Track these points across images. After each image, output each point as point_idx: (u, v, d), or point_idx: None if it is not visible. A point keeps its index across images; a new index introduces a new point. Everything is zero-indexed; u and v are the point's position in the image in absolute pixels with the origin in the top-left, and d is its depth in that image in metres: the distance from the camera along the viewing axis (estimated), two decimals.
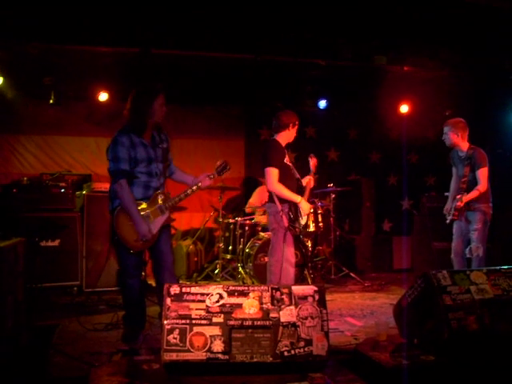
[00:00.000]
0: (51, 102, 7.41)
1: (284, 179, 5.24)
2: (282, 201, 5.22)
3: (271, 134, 5.54)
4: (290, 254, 5.25)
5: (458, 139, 5.83)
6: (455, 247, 5.98)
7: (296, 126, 5.43)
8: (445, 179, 6.46)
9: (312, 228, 6.94)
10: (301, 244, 6.83)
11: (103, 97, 7.52)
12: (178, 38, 6.22)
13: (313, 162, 5.70)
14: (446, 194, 6.34)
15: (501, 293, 3.94)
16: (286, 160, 5.36)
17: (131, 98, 4.32)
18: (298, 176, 5.50)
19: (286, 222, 5.16)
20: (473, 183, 5.75)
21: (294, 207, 5.25)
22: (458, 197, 5.72)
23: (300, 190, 5.43)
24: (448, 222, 6.00)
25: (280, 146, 5.35)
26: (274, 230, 5.32)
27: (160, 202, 4.35)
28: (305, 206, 5.29)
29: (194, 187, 4.49)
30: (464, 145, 5.86)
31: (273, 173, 5.18)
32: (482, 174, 5.71)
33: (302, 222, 5.35)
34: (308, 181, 5.56)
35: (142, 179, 4.30)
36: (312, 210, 6.89)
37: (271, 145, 5.37)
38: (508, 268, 4.16)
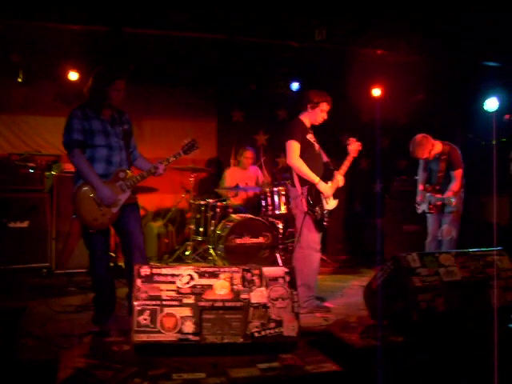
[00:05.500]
0: (19, 80, 7.28)
1: (305, 157, 5.04)
2: (303, 183, 5.05)
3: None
4: (312, 239, 5.09)
5: (431, 154, 5.87)
6: (433, 231, 6.03)
7: (318, 107, 5.17)
8: (416, 163, 6.50)
9: (283, 210, 6.97)
10: (272, 226, 6.85)
11: (73, 76, 7.38)
12: (150, 17, 6.12)
13: (354, 146, 5.30)
14: (416, 177, 6.40)
15: (469, 275, 4.02)
16: (310, 137, 5.17)
17: (91, 77, 4.31)
18: (326, 160, 5.31)
19: (305, 207, 5.01)
20: (448, 177, 5.84)
21: (314, 190, 5.03)
22: (446, 196, 5.75)
23: (328, 174, 5.21)
24: (419, 212, 6.06)
25: (302, 123, 5.18)
26: (295, 216, 5.21)
27: (121, 179, 4.31)
28: (324, 188, 5.06)
29: (153, 169, 4.43)
30: (437, 147, 5.90)
31: (293, 146, 5.00)
32: (459, 174, 5.82)
33: (328, 206, 5.13)
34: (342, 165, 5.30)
35: (103, 153, 4.25)
36: (284, 193, 6.94)
37: (293, 121, 5.23)
38: (476, 251, 4.25)
